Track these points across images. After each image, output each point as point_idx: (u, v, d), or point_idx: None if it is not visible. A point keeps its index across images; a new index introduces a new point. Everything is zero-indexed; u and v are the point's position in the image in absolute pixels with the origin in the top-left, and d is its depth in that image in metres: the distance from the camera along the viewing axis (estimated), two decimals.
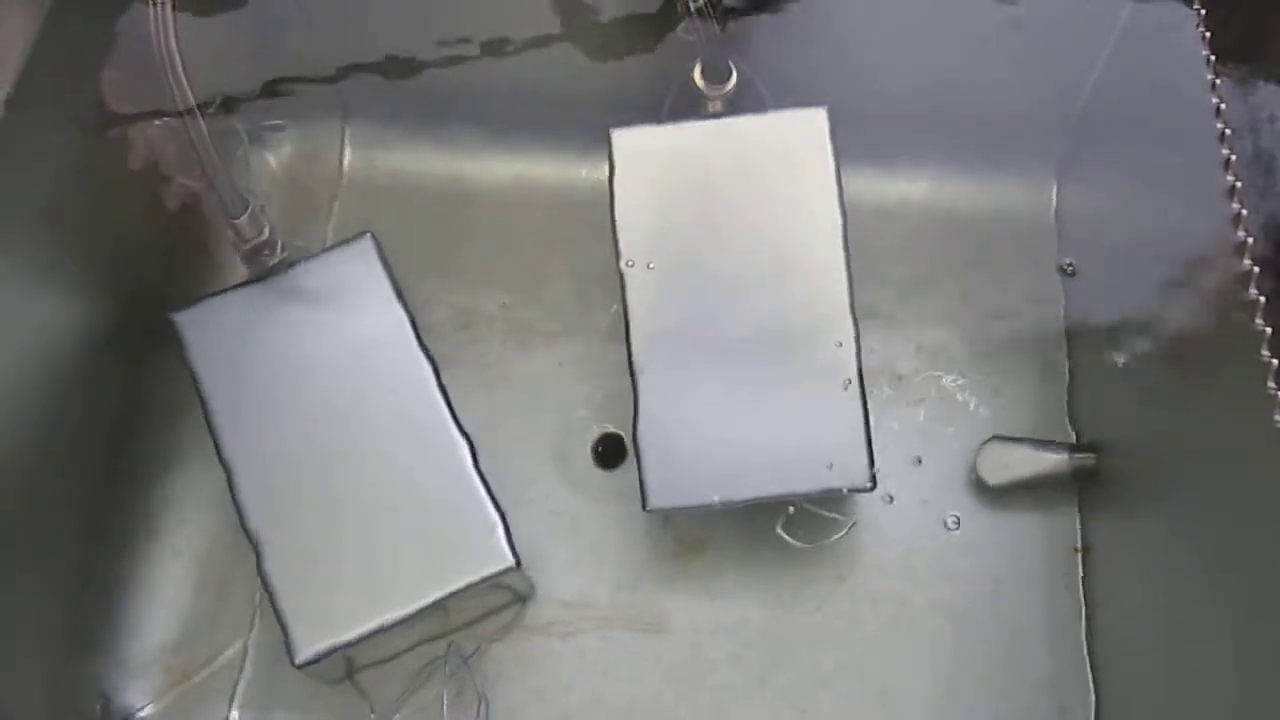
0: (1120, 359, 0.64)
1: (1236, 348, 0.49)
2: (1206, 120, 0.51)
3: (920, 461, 0.68)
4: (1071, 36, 0.67)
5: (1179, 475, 0.56)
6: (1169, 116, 0.58)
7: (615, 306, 0.61)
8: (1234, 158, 0.49)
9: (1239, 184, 0.49)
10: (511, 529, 0.59)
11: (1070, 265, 0.72)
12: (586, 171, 0.75)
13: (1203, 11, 0.54)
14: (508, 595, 0.65)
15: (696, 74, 0.65)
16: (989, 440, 0.67)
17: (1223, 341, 0.51)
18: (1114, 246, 0.66)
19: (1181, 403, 0.56)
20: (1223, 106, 0.51)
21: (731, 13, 0.66)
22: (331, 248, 0.65)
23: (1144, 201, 0.62)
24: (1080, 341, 0.70)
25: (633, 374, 0.61)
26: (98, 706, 0.63)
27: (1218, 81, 0.52)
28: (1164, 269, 0.57)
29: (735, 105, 0.65)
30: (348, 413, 0.61)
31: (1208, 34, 0.53)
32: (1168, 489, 0.57)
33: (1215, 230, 0.50)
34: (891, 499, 0.67)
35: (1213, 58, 0.52)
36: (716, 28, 0.61)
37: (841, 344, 0.60)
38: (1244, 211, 0.48)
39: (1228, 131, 0.50)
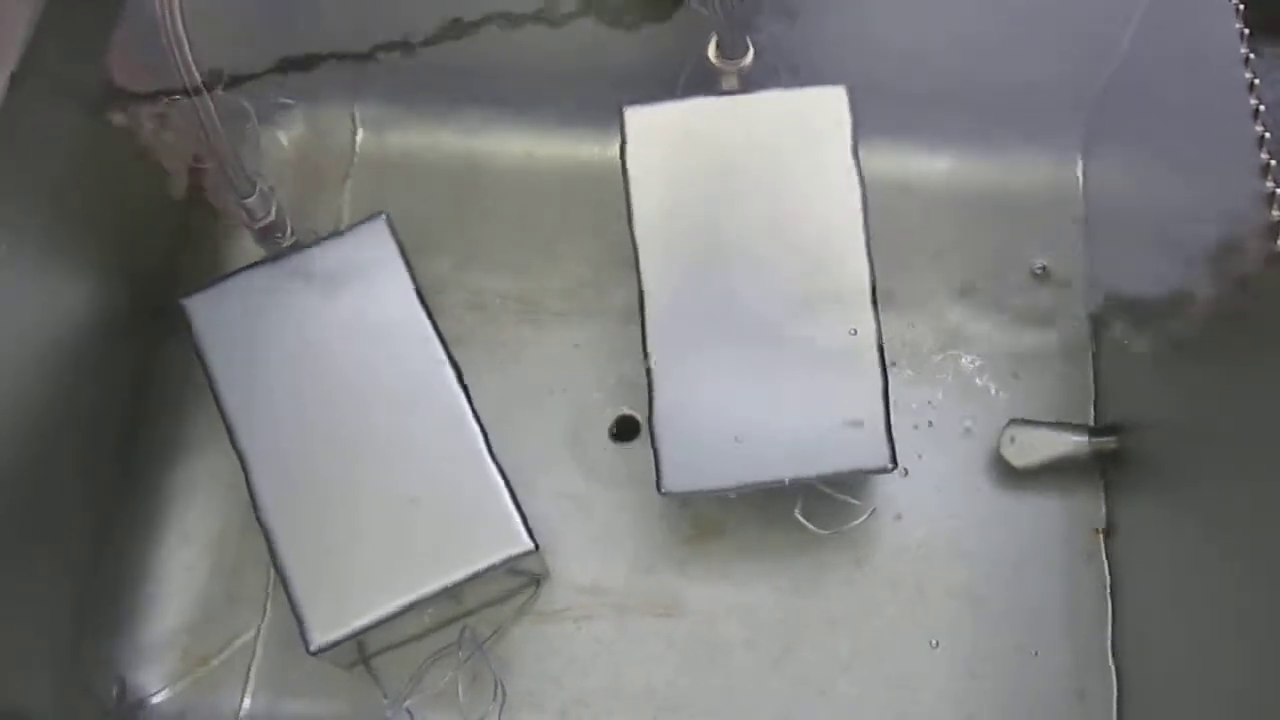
0: (1146, 340, 0.63)
1: (1267, 329, 0.48)
2: (1239, 96, 0.50)
3: (939, 444, 0.67)
4: (1098, 8, 0.65)
5: (1205, 458, 0.55)
6: (1200, 92, 0.56)
7: (630, 287, 0.60)
8: (1268, 135, 0.48)
9: (1273, 162, 0.48)
10: (526, 512, 0.58)
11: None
12: (601, 149, 0.74)
13: None
14: (522, 579, 0.64)
15: (711, 50, 0.63)
16: (1011, 422, 0.66)
17: (1252, 322, 0.50)
18: (1141, 224, 0.65)
19: (1208, 384, 0.55)
20: (1256, 82, 0.49)
21: None
22: (344, 229, 0.64)
23: (1173, 178, 0.61)
24: (1104, 321, 0.69)
25: (647, 355, 0.60)
26: (113, 690, 0.63)
27: (1251, 56, 0.50)
28: (1193, 248, 0.56)
29: (751, 82, 0.64)
30: (360, 396, 0.60)
31: (1241, 7, 0.52)
32: (1193, 472, 0.56)
33: (1247, 209, 0.49)
34: (909, 483, 0.66)
35: (1246, 32, 0.51)
36: (732, 1, 0.60)
37: (861, 324, 0.59)
38: (1278, 191, 0.47)
39: (1261, 108, 0.49)
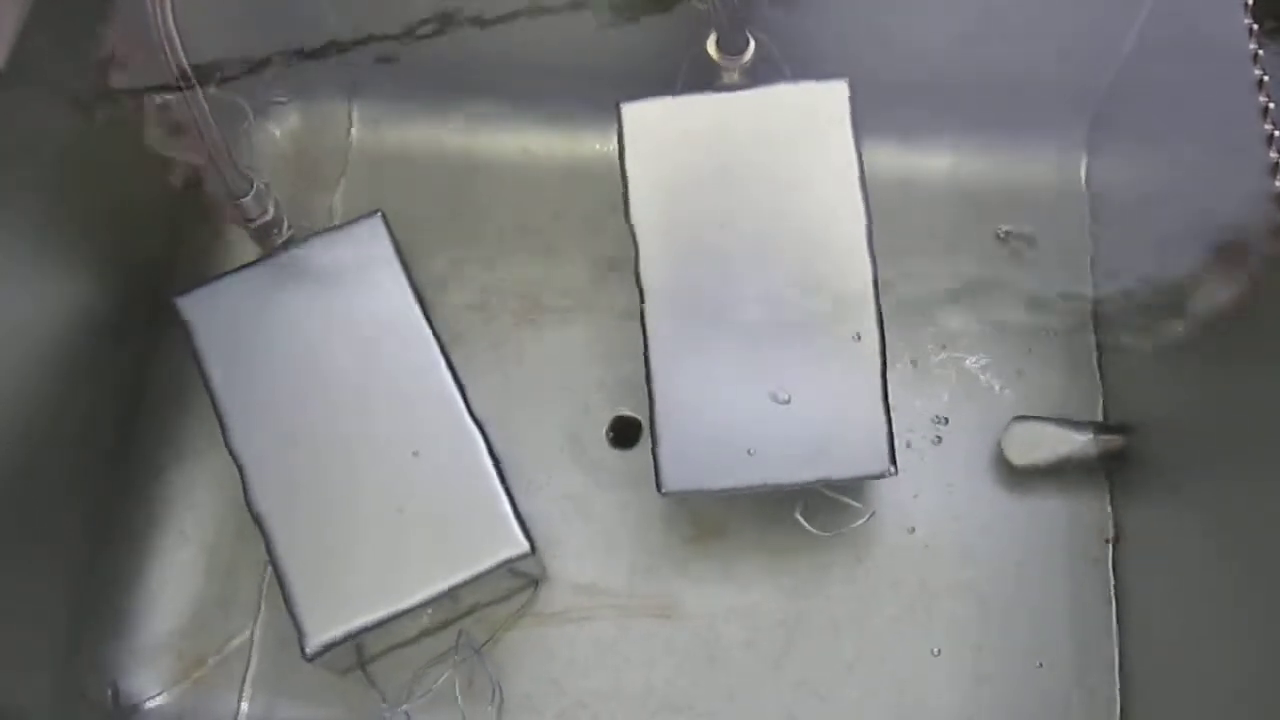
0: (1151, 339, 0.62)
1: (1273, 328, 0.47)
2: (1249, 93, 0.49)
3: (942, 444, 0.67)
4: (1104, 1, 0.64)
5: (1212, 459, 0.54)
6: (1207, 88, 0.55)
7: (630, 285, 0.60)
8: (1276, 133, 0.47)
9: None
10: (525, 513, 0.57)
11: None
12: (599, 146, 0.73)
13: None
14: (520, 580, 0.64)
15: (711, 45, 0.63)
16: (1014, 420, 0.65)
17: (1259, 322, 0.49)
18: (1147, 221, 0.64)
19: (1215, 384, 0.54)
20: (1266, 79, 0.48)
21: None
22: (339, 227, 0.63)
23: (1180, 176, 0.60)
24: (1109, 319, 0.68)
25: (648, 355, 0.59)
26: (108, 693, 0.63)
27: (1260, 52, 0.49)
28: (1200, 245, 0.56)
29: (752, 77, 0.63)
30: (357, 397, 0.59)
31: (1249, 1, 0.51)
32: (1202, 472, 0.55)
33: (1257, 208, 0.48)
34: (912, 483, 0.66)
35: (1255, 26, 0.50)
36: None
37: (862, 324, 0.58)
38: None
39: (1270, 105, 0.48)
